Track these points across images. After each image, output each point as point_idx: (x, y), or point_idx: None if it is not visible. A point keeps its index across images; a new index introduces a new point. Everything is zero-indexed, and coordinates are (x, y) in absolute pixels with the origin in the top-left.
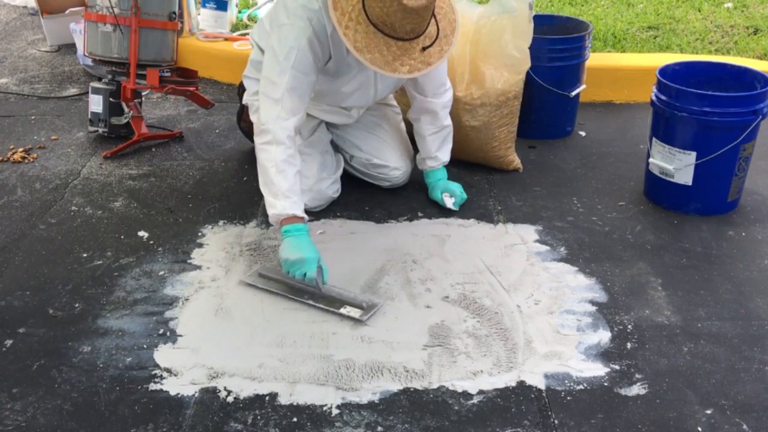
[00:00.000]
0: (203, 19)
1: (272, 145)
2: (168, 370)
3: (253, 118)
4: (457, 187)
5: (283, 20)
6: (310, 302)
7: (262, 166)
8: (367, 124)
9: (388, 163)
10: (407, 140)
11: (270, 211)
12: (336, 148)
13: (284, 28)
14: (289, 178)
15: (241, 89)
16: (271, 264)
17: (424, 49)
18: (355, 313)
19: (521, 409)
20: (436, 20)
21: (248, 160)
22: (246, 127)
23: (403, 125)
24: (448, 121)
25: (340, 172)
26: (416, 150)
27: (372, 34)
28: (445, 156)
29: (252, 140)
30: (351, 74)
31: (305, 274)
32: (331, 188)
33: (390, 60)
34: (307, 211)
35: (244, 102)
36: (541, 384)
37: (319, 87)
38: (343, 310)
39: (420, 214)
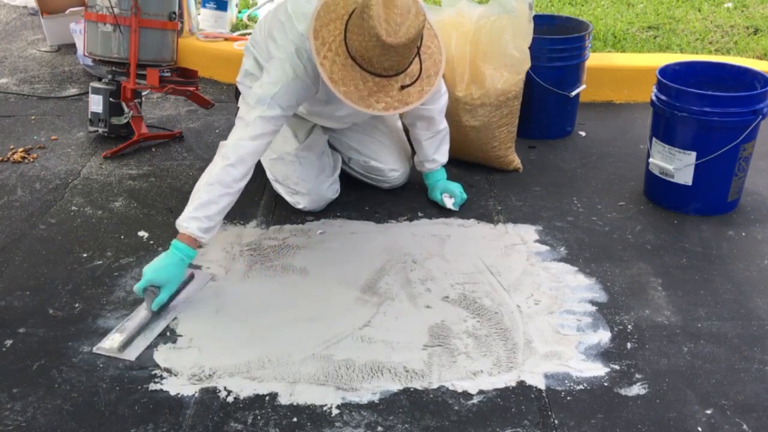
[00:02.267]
0: (203, 19)
1: (218, 158)
2: (168, 370)
3: None
4: (456, 188)
5: (273, 52)
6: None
7: (205, 173)
8: (364, 127)
9: (386, 165)
10: (405, 140)
11: (181, 215)
12: (333, 149)
13: (274, 61)
14: (212, 194)
15: (238, 93)
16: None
17: (402, 87)
18: (111, 343)
19: (521, 409)
20: (420, 59)
21: None
22: None
23: (400, 125)
24: (444, 124)
25: (338, 172)
26: (414, 151)
27: (350, 68)
28: (442, 158)
29: None
30: (339, 103)
31: (143, 289)
32: (330, 189)
33: (365, 95)
34: (307, 212)
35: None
36: (541, 384)
37: (313, 109)
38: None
39: (420, 214)
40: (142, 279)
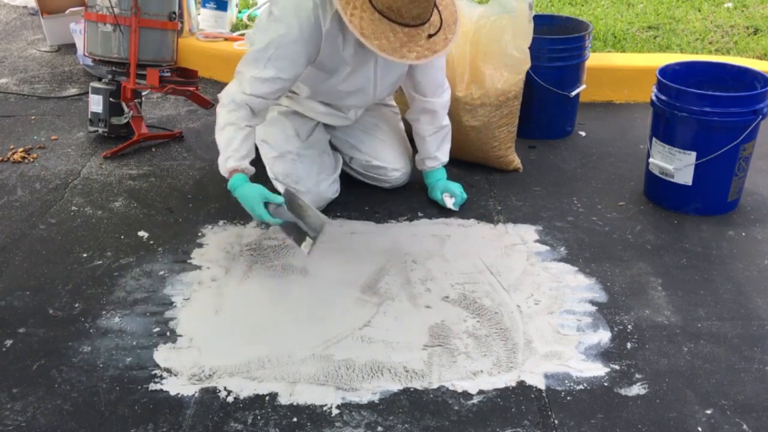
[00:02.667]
0: (203, 19)
1: (219, 108)
2: (168, 370)
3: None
4: (457, 187)
5: (274, 12)
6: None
7: (218, 124)
8: (366, 126)
9: (387, 164)
10: (406, 140)
11: (220, 160)
12: (334, 148)
13: (273, 20)
14: (225, 134)
15: None
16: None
17: (429, 36)
18: (306, 244)
19: (521, 409)
20: (438, 10)
21: None
22: None
23: (401, 125)
24: (447, 121)
25: (338, 172)
26: (415, 150)
27: (378, 21)
28: (444, 156)
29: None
30: (347, 72)
31: (261, 218)
32: (330, 189)
33: (397, 46)
34: None
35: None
36: (541, 384)
37: (315, 85)
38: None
39: (420, 214)
40: (253, 211)
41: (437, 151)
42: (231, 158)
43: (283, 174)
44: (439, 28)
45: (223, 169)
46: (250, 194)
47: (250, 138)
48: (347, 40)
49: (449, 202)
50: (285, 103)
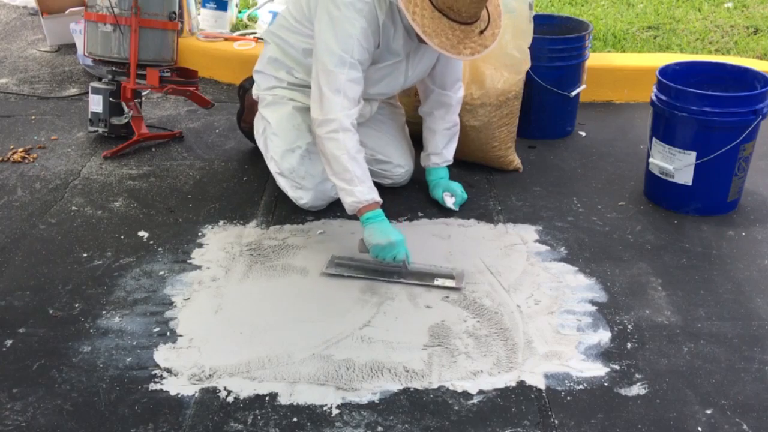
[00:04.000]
0: (203, 19)
1: (339, 133)
2: (168, 370)
3: (265, 111)
4: (458, 187)
5: (334, 13)
6: (402, 281)
7: (332, 155)
8: (373, 122)
9: (392, 159)
10: (410, 141)
11: (347, 200)
12: None
13: (338, 20)
14: (362, 164)
15: (241, 90)
16: (342, 253)
17: (481, 32)
18: (450, 282)
19: (521, 409)
20: (486, 6)
21: (248, 160)
22: (246, 128)
23: (406, 126)
24: (458, 119)
25: None
26: (418, 149)
27: (437, 19)
28: (449, 154)
29: (253, 141)
30: (389, 62)
31: (395, 257)
32: (334, 189)
33: (455, 43)
34: (307, 212)
35: (254, 95)
36: (541, 384)
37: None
38: (437, 282)
39: (420, 214)
40: (397, 246)
41: (445, 148)
42: (372, 189)
43: (289, 169)
44: (488, 24)
45: (365, 197)
46: (397, 235)
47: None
48: (397, 33)
49: (449, 202)
50: (299, 99)
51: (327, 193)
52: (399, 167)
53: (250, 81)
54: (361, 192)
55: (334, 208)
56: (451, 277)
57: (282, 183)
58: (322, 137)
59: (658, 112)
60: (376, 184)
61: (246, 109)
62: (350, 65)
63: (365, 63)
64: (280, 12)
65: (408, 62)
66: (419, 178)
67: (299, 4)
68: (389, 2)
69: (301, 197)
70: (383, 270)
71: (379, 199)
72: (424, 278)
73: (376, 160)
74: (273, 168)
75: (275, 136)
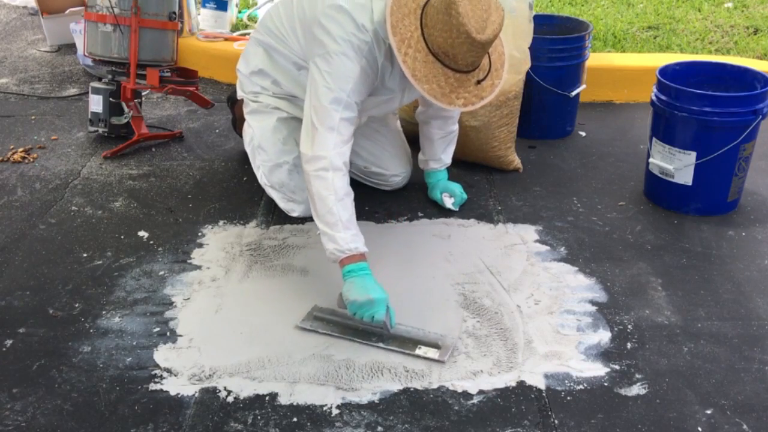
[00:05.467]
0: (203, 19)
1: (329, 172)
2: (168, 370)
3: (249, 118)
4: (456, 188)
5: (332, 47)
6: (380, 345)
7: (318, 195)
8: (365, 131)
9: (387, 170)
10: (405, 142)
11: (329, 246)
12: None
13: (336, 56)
14: (348, 208)
15: (230, 102)
16: (324, 306)
17: (478, 82)
18: (432, 353)
19: (521, 409)
20: (488, 53)
21: (248, 160)
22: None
23: (399, 126)
24: (456, 126)
25: None
26: (416, 149)
27: (431, 64)
28: (448, 158)
29: None
30: (381, 96)
31: (373, 317)
32: None
33: (447, 92)
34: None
35: (238, 95)
36: (541, 384)
37: None
38: (419, 351)
39: (420, 214)
40: (376, 305)
41: (443, 154)
42: (358, 238)
43: (279, 183)
44: (488, 73)
45: (348, 245)
46: (378, 293)
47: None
48: (394, 72)
49: (448, 202)
50: (284, 108)
51: None
52: (395, 176)
53: (235, 91)
54: (343, 239)
55: None
56: (436, 346)
57: (273, 194)
58: (309, 174)
59: (658, 112)
60: (375, 188)
61: (238, 118)
62: (346, 105)
63: (360, 104)
64: (267, 11)
65: (404, 94)
66: (419, 179)
67: (291, 16)
68: (387, 43)
69: (293, 209)
70: (364, 330)
71: (363, 249)
72: (406, 344)
73: (371, 172)
74: (262, 180)
75: (262, 150)
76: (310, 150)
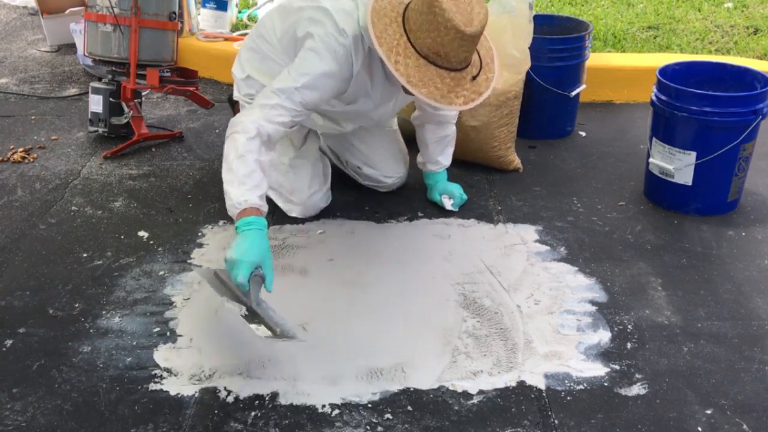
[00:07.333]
0: (203, 19)
1: (239, 134)
2: (168, 370)
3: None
4: (456, 188)
5: (307, 43)
6: (241, 314)
7: (225, 156)
8: (358, 132)
9: (380, 172)
10: (400, 143)
11: (227, 203)
12: (330, 151)
13: (307, 51)
14: (249, 164)
15: (230, 101)
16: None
17: (473, 78)
18: (262, 332)
19: (521, 409)
20: (476, 49)
21: None
22: None
23: (396, 126)
24: (453, 129)
25: (329, 182)
26: (415, 150)
27: (424, 67)
28: (446, 160)
29: None
30: (366, 108)
31: (236, 279)
32: (323, 200)
33: (445, 92)
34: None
35: (235, 96)
36: (541, 384)
37: (333, 109)
38: (253, 326)
39: (420, 214)
40: (238, 267)
41: (440, 156)
42: (253, 192)
43: (276, 184)
44: (480, 68)
45: (239, 199)
46: (247, 254)
47: (266, 179)
48: (375, 84)
49: (448, 204)
50: None
51: (317, 204)
52: (387, 178)
53: None
54: (236, 194)
55: (334, 209)
56: (274, 332)
57: (271, 195)
58: (226, 138)
59: (658, 112)
60: (373, 190)
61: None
62: (289, 96)
63: (311, 102)
64: (261, 19)
65: (395, 103)
66: (419, 179)
67: (286, 18)
68: (367, 49)
69: (291, 210)
70: (237, 295)
71: (257, 203)
72: (254, 322)
73: (364, 174)
74: None
75: None
76: (236, 122)
